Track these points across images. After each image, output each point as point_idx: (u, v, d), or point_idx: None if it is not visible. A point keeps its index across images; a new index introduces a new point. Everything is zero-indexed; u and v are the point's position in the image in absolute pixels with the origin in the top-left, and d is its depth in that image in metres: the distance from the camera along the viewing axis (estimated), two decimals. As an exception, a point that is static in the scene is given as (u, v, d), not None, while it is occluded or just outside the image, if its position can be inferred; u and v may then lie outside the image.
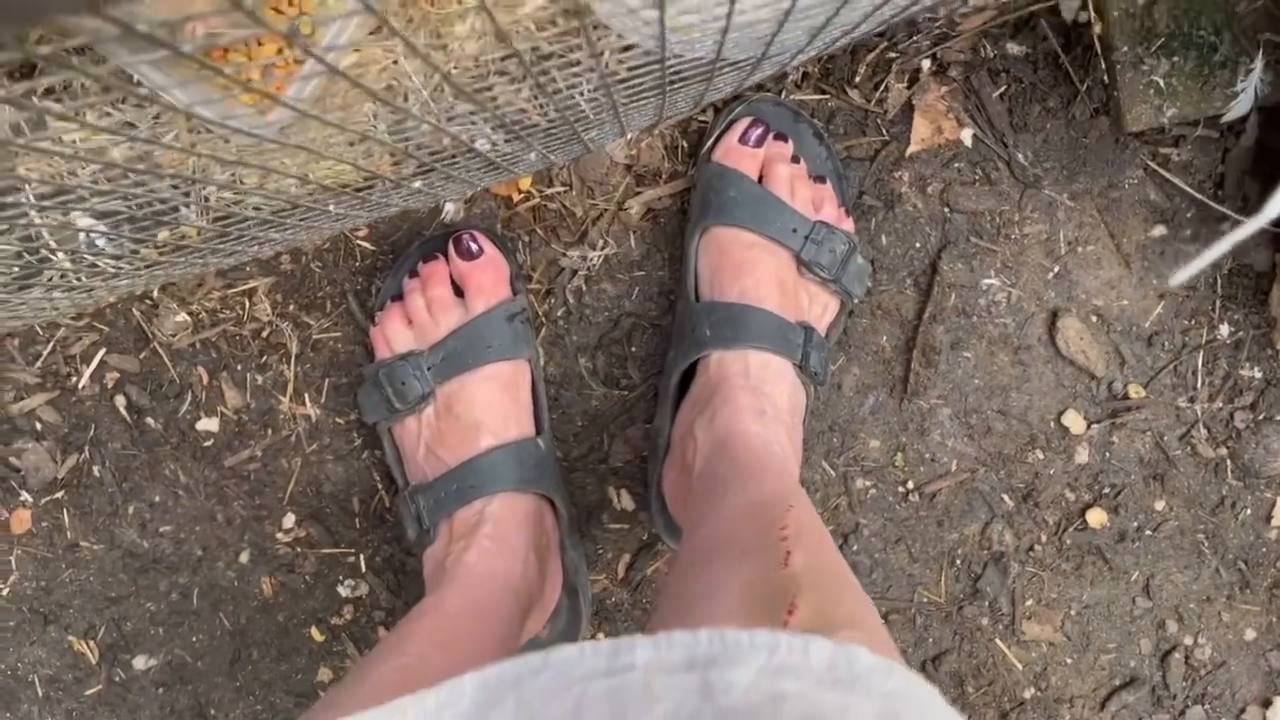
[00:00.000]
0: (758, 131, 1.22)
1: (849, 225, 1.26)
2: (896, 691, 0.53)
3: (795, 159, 1.24)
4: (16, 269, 1.25)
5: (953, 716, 0.55)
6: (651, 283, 1.34)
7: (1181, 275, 0.48)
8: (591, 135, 1.16)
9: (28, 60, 0.44)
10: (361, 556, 1.37)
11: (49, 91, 1.15)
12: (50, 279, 1.26)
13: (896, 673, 0.55)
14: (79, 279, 1.27)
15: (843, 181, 1.30)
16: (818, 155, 1.27)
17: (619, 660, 0.53)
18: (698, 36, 0.90)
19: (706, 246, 1.22)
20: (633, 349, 1.35)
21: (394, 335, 1.24)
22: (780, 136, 1.24)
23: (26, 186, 1.22)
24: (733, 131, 1.24)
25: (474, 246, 1.22)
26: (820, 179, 1.26)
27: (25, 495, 1.36)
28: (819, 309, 1.24)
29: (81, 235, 1.27)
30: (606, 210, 1.33)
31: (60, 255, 1.26)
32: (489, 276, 1.24)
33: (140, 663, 1.39)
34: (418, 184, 1.14)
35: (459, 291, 1.25)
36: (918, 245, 1.35)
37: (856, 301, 1.30)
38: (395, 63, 1.14)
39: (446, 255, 1.25)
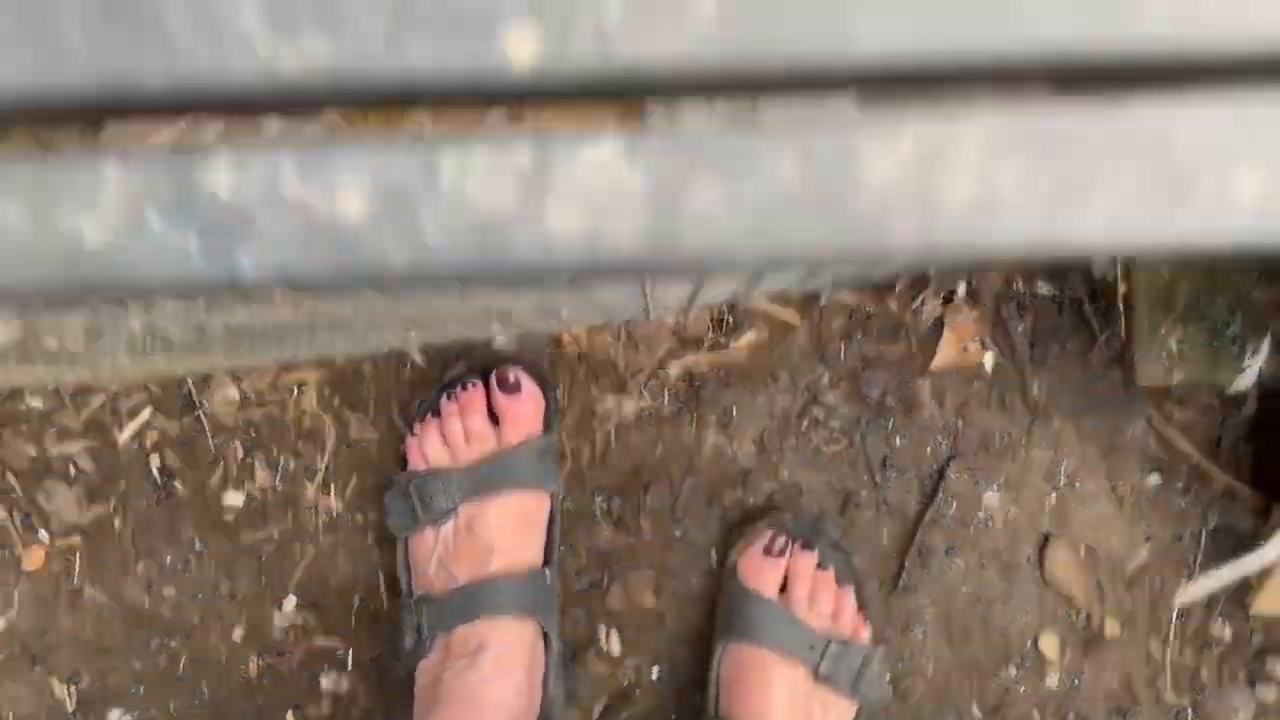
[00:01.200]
0: (780, 542, 1.31)
1: (866, 635, 1.32)
2: None
3: (819, 565, 1.32)
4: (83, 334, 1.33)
5: None
6: (677, 442, 1.41)
7: (1186, 595, 0.55)
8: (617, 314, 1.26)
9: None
10: (351, 653, 1.41)
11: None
12: (123, 343, 1.33)
13: None
14: (146, 347, 1.35)
15: (863, 588, 1.37)
16: (838, 562, 1.35)
17: None
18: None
19: (727, 662, 1.30)
20: (647, 500, 1.41)
21: (429, 450, 1.31)
22: (805, 545, 1.32)
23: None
24: (757, 541, 1.33)
25: (515, 381, 1.30)
26: (840, 584, 1.33)
27: (44, 534, 1.41)
28: (834, 716, 1.30)
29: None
30: (647, 367, 1.41)
31: (135, 321, 1.34)
32: (526, 411, 1.31)
33: (114, 717, 1.42)
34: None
35: (495, 417, 1.33)
36: (929, 450, 1.43)
37: (876, 703, 1.33)
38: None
39: (488, 383, 1.33)
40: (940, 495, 1.42)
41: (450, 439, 1.30)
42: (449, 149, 0.27)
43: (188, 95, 0.26)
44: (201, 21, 0.25)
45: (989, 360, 1.42)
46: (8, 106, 0.25)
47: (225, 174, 0.27)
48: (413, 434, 1.34)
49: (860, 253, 0.27)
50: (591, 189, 0.27)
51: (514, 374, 1.31)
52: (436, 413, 1.35)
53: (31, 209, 0.27)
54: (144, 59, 0.25)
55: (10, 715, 1.41)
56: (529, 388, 1.32)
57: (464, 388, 1.34)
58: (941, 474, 1.43)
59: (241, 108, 0.26)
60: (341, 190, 0.27)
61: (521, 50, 0.25)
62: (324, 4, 0.25)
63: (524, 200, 0.27)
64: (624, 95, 0.26)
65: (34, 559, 1.41)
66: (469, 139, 0.27)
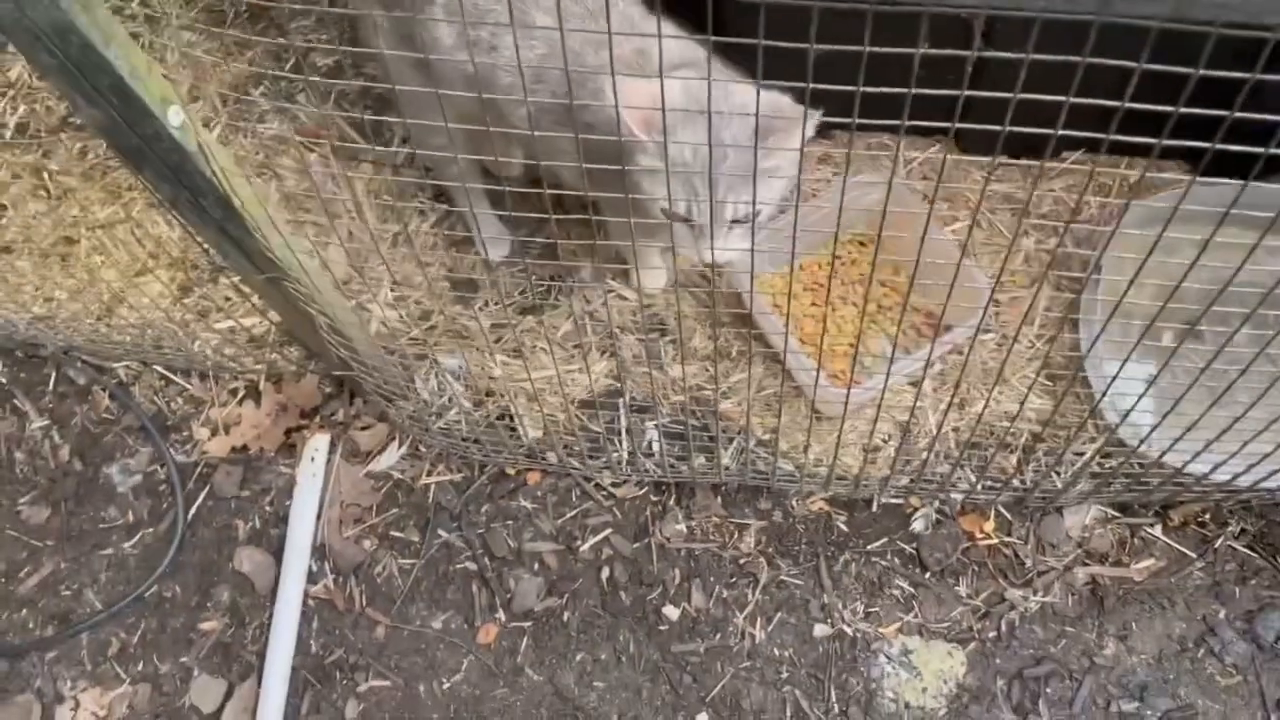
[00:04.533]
0: None
1: None
2: None
3: None
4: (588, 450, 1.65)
5: None
6: (1079, 641, 1.54)
7: None
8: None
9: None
10: (746, 779, 1.51)
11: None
12: (615, 457, 1.65)
13: None
14: (627, 462, 1.65)
15: None
16: None
17: None
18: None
19: None
20: (1047, 689, 1.52)
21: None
22: None
23: (625, 397, 1.66)
24: None
25: None
26: None
27: (501, 614, 1.64)
28: None
29: (649, 439, 1.67)
30: (1055, 569, 1.58)
31: (625, 443, 1.66)
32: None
33: (518, 796, 1.54)
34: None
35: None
36: (1324, 704, 1.49)
37: None
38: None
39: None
40: (1339, 750, 1.45)
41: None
42: None
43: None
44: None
45: (1388, 623, 1.50)
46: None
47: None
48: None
49: None
50: None
51: None
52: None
53: None
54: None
55: (437, 767, 1.56)
56: None
57: None
58: (1339, 729, 1.47)
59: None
60: None
61: None
62: None
63: None
64: None
65: (488, 633, 1.63)
66: None
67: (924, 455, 1.57)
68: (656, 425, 1.68)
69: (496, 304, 1.79)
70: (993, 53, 0.72)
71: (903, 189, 1.75)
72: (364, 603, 1.65)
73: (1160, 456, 1.37)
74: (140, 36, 2.08)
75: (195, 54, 2.07)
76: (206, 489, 1.75)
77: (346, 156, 1.93)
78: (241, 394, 1.81)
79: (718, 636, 1.59)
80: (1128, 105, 0.73)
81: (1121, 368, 1.12)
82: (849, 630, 1.57)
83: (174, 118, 1.00)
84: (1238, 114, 0.73)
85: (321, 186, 1.89)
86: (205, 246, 1.23)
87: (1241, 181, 0.81)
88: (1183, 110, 0.72)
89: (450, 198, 1.85)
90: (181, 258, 1.86)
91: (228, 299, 1.81)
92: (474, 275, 1.82)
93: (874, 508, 1.65)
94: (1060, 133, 0.75)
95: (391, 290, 1.79)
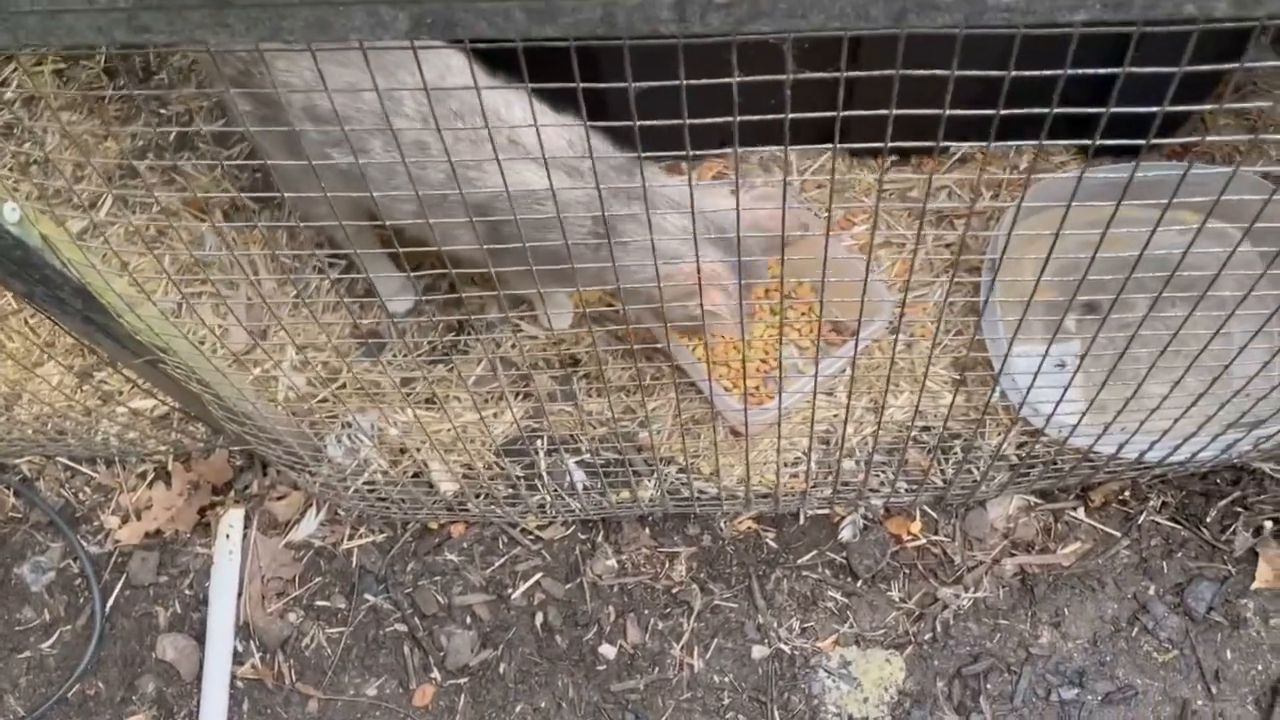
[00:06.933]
0: None
1: None
2: None
3: None
4: (508, 490, 1.63)
5: None
6: (1013, 633, 1.54)
7: None
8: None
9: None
10: (699, 812, 1.48)
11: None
12: (536, 501, 1.62)
13: None
14: (551, 504, 1.63)
15: None
16: None
17: None
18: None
19: None
20: (987, 686, 1.51)
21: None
22: None
23: (543, 438, 1.64)
24: None
25: None
26: None
27: (436, 673, 1.60)
28: None
29: (571, 477, 1.65)
30: (984, 563, 1.58)
31: (547, 485, 1.64)
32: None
33: None
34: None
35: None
36: (1259, 668, 1.50)
37: None
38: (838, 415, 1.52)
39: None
40: (1277, 711, 1.46)
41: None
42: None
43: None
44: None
45: (1310, 582, 1.52)
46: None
47: None
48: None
49: None
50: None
51: None
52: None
53: None
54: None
55: (383, 839, 1.52)
56: None
57: None
58: (1275, 691, 1.47)
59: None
60: None
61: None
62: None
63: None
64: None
65: (424, 695, 1.59)
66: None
67: (836, 463, 1.56)
68: (579, 462, 1.66)
69: (405, 355, 1.76)
70: (860, 72, 0.72)
71: (797, 205, 1.76)
72: (294, 678, 1.61)
73: (1065, 440, 1.37)
74: (19, 123, 2.03)
75: (76, 132, 2.02)
76: (123, 578, 1.70)
77: (240, 220, 1.90)
78: (151, 477, 1.76)
79: (656, 670, 1.57)
80: (1002, 112, 0.73)
81: (1009, 350, 1.12)
82: (786, 648, 1.56)
83: (10, 214, 0.96)
84: (1114, 110, 0.73)
85: (216, 254, 1.86)
86: (74, 336, 1.20)
87: (1127, 157, 0.81)
88: (1058, 110, 0.73)
89: (347, 255, 1.82)
90: (77, 344, 1.81)
91: (129, 382, 1.77)
92: (378, 328, 1.80)
93: (801, 520, 1.65)
94: (941, 135, 0.75)
95: (296, 354, 1.76)
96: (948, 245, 1.78)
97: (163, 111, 2.03)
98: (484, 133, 0.77)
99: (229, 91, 1.35)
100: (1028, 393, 1.21)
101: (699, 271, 0.98)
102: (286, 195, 1.43)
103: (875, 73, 0.71)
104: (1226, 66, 0.73)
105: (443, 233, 1.36)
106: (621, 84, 0.71)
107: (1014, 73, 0.71)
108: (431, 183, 1.32)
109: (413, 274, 1.32)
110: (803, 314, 1.74)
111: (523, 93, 0.95)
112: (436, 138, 0.75)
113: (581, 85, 0.72)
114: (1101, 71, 0.72)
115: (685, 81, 0.71)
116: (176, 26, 0.65)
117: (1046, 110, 0.74)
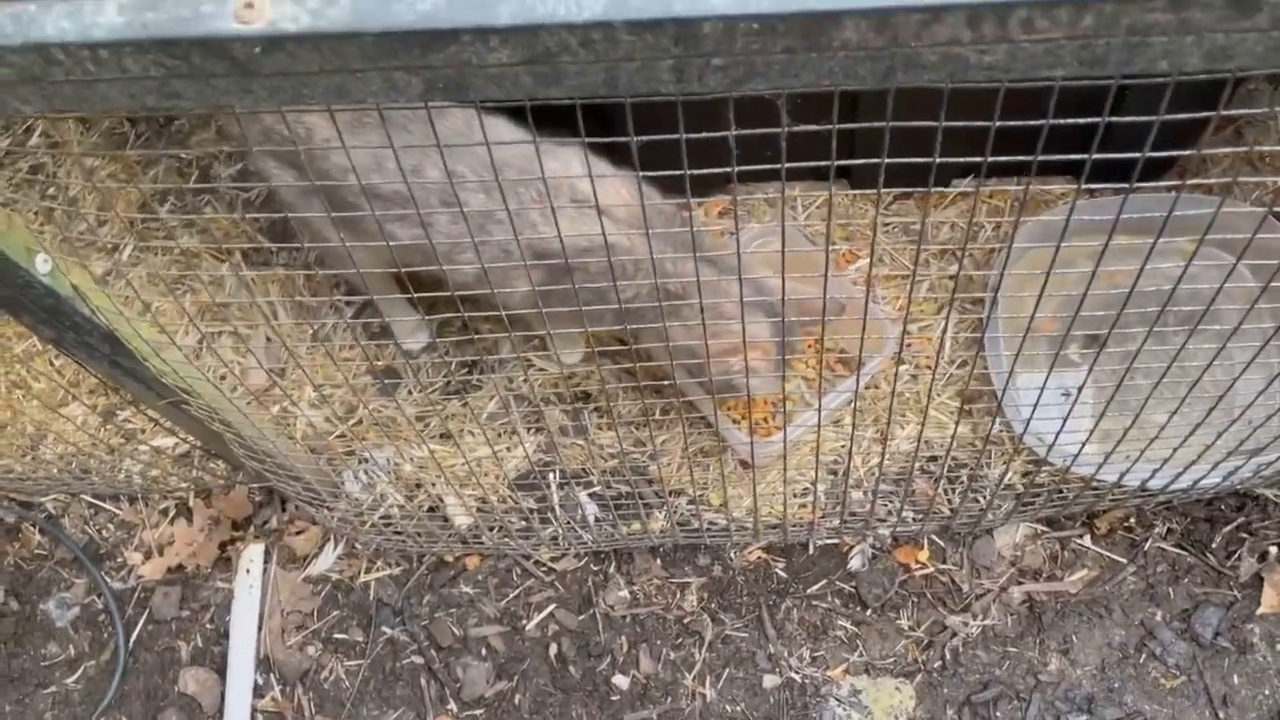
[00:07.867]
0: None
1: None
2: None
3: None
4: (521, 522, 1.66)
5: None
6: (1022, 660, 1.55)
7: None
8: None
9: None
10: (713, 842, 1.50)
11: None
12: (549, 533, 1.66)
13: None
14: (564, 536, 1.66)
15: None
16: None
17: None
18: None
19: None
20: (997, 713, 1.52)
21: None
22: None
23: (555, 472, 1.68)
24: None
25: None
26: None
27: (453, 704, 1.63)
28: None
29: (583, 510, 1.68)
30: (992, 590, 1.60)
31: (560, 517, 1.67)
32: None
33: None
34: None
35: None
36: (1266, 693, 1.51)
37: None
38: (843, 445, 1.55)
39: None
40: (1287, 737, 1.47)
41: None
42: None
43: None
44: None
45: (1317, 606, 1.53)
46: None
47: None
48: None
49: None
50: None
51: None
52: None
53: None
54: None
55: None
56: None
57: None
58: (1285, 717, 1.49)
59: None
60: None
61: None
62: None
63: None
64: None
65: (441, 726, 1.62)
66: None
67: (844, 493, 1.59)
68: (591, 494, 1.69)
69: (420, 392, 1.80)
70: (852, 124, 0.75)
71: (801, 240, 1.79)
72: (313, 710, 1.64)
73: (1068, 468, 1.39)
74: (44, 168, 2.09)
75: (100, 177, 2.08)
76: (146, 613, 1.73)
77: (259, 263, 1.95)
78: (173, 513, 1.80)
79: (669, 700, 1.59)
80: (989, 159, 0.77)
81: (1008, 383, 1.15)
82: (797, 677, 1.58)
83: (42, 265, 1.01)
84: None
85: (235, 295, 1.91)
86: (101, 379, 1.24)
87: (1125, 186, 0.83)
88: (1041, 158, 0.76)
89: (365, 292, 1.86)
90: (101, 383, 1.86)
91: (152, 421, 1.81)
92: (395, 364, 1.84)
93: (810, 550, 1.67)
94: (940, 161, 0.79)
95: (315, 390, 1.80)
96: (951, 277, 1.81)
97: (183, 154, 2.09)
98: (547, 193, 0.86)
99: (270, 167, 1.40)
100: (1028, 423, 1.23)
101: (742, 332, 1.02)
102: (308, 245, 1.47)
103: (867, 124, 0.75)
104: (1203, 114, 0.76)
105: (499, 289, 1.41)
106: (624, 138, 0.75)
107: (999, 123, 0.75)
108: (495, 246, 1.37)
109: (426, 316, 1.35)
110: (809, 347, 1.77)
111: (577, 149, 1.00)
112: (500, 202, 0.81)
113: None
114: (1082, 121, 0.75)
115: (685, 135, 0.75)
116: (205, 94, 0.69)
117: (1031, 158, 0.77)
